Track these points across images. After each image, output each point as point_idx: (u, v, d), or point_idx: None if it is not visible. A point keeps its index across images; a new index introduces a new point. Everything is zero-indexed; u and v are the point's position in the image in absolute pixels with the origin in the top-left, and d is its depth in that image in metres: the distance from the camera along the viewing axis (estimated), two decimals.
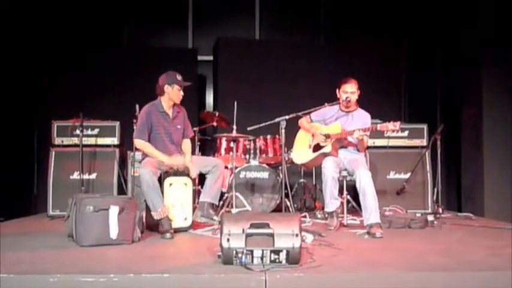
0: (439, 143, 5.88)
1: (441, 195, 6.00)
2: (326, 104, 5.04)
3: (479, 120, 6.30)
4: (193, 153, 5.14)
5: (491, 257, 3.44)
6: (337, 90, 4.95)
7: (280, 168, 5.85)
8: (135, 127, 5.05)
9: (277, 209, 5.91)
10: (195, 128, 5.94)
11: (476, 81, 6.38)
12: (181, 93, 4.75)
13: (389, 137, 6.23)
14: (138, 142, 4.67)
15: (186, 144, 4.94)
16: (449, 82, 7.16)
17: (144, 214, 4.42)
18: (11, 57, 6.49)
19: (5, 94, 6.36)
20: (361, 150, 4.94)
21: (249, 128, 4.88)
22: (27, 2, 6.74)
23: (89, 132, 6.10)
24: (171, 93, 4.70)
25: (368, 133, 4.76)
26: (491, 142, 6.20)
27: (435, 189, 6.00)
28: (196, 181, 5.49)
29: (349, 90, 4.87)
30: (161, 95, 4.73)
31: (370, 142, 5.95)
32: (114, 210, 3.85)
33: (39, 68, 7.14)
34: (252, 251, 2.97)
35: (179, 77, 4.70)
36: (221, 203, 5.59)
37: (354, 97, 4.90)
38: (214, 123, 6.16)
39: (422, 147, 6.28)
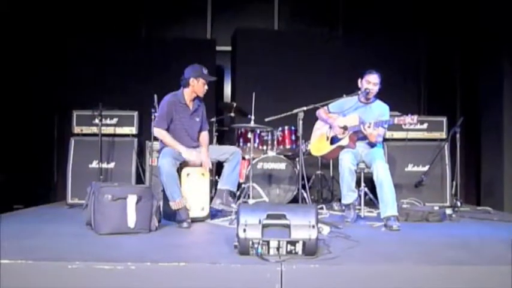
0: (458, 136, 5.78)
1: (460, 188, 5.92)
2: (344, 95, 5.00)
3: (500, 113, 6.20)
4: (210, 143, 5.14)
5: (509, 251, 3.40)
6: (359, 80, 4.86)
7: (297, 159, 5.84)
8: (153, 117, 5.06)
9: (294, 200, 5.93)
10: (212, 119, 5.94)
11: (497, 73, 6.27)
12: (206, 87, 4.73)
13: (408, 130, 6.15)
14: (157, 131, 4.65)
15: (204, 137, 4.92)
16: (470, 74, 7.05)
17: (161, 203, 4.44)
18: (32, 47, 6.56)
19: (26, 83, 6.44)
20: (373, 140, 4.82)
21: (266, 119, 4.86)
22: None
23: (108, 121, 6.13)
24: (196, 87, 4.67)
25: (386, 126, 4.71)
26: None
27: (454, 183, 5.91)
28: (214, 171, 5.49)
29: (373, 81, 4.77)
30: (185, 87, 4.70)
31: (389, 134, 5.91)
32: (132, 199, 3.88)
33: (60, 58, 7.20)
34: (268, 242, 2.98)
35: (205, 71, 4.67)
36: (238, 193, 5.61)
37: (375, 90, 4.82)
38: (232, 114, 6.16)
39: (442, 139, 6.21)
